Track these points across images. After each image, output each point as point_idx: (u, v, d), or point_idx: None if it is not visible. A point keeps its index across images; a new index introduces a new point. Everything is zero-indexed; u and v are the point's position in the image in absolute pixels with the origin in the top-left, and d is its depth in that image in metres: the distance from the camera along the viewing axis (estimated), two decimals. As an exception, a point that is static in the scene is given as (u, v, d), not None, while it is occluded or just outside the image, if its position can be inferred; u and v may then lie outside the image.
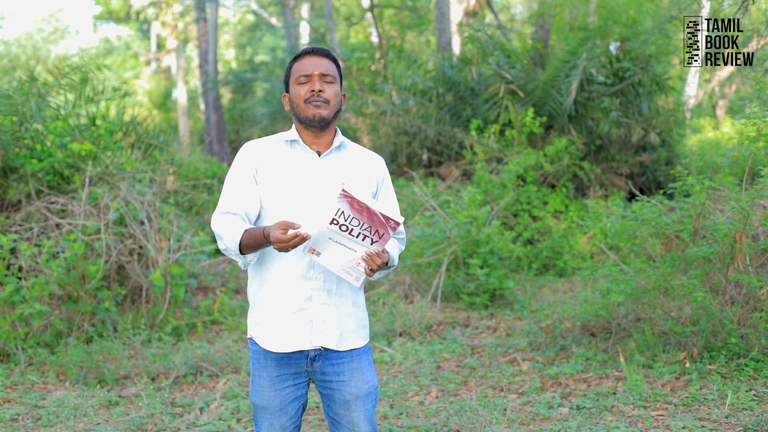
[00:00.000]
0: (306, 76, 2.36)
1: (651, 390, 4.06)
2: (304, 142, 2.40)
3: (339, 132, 2.45)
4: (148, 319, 5.59)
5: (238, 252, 2.28)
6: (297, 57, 2.41)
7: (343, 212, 2.17)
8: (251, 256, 2.33)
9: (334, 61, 2.42)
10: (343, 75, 2.49)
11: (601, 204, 6.88)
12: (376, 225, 2.19)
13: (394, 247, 2.43)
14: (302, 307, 2.34)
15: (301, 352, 2.37)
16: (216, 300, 6.35)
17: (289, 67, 2.42)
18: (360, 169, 2.43)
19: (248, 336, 2.46)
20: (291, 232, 2.10)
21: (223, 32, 28.29)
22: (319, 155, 2.39)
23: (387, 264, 2.32)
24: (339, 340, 2.37)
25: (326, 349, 2.38)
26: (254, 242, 2.24)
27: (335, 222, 2.17)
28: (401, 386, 4.45)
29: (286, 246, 2.11)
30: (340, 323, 2.37)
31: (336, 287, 2.36)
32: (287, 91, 2.45)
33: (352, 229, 2.18)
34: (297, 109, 2.37)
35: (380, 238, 2.20)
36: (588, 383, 4.35)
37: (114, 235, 5.72)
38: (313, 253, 2.20)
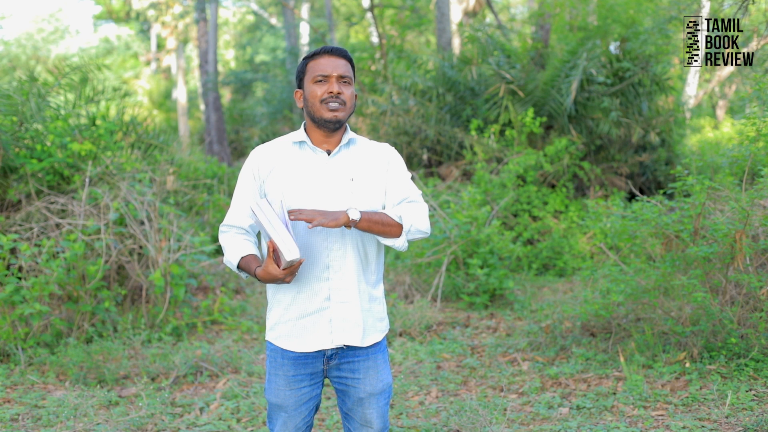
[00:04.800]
0: (324, 76, 2.34)
1: (651, 390, 4.06)
2: (313, 141, 2.41)
3: (348, 129, 2.45)
4: (148, 319, 5.59)
5: (237, 270, 2.39)
6: (314, 55, 2.38)
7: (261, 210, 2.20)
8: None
9: (351, 61, 2.41)
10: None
11: (601, 204, 6.88)
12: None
13: (400, 209, 2.36)
14: (321, 306, 2.35)
15: (319, 351, 2.39)
16: (216, 300, 6.35)
17: (304, 65, 2.40)
18: (369, 164, 2.42)
19: (266, 339, 2.48)
20: (284, 265, 2.18)
21: (223, 32, 28.29)
22: (329, 154, 2.40)
23: (400, 225, 2.32)
24: (363, 336, 2.39)
25: (344, 347, 2.39)
26: (249, 271, 2.35)
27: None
28: (401, 386, 4.45)
29: (283, 279, 2.22)
30: (361, 319, 2.38)
31: (354, 284, 2.36)
32: (300, 87, 2.43)
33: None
34: (312, 108, 2.36)
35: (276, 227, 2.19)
36: (588, 383, 4.35)
37: (114, 235, 5.71)
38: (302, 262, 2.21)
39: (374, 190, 2.39)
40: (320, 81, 2.35)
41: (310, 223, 2.17)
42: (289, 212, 2.20)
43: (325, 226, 2.19)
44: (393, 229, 2.32)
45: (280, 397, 2.43)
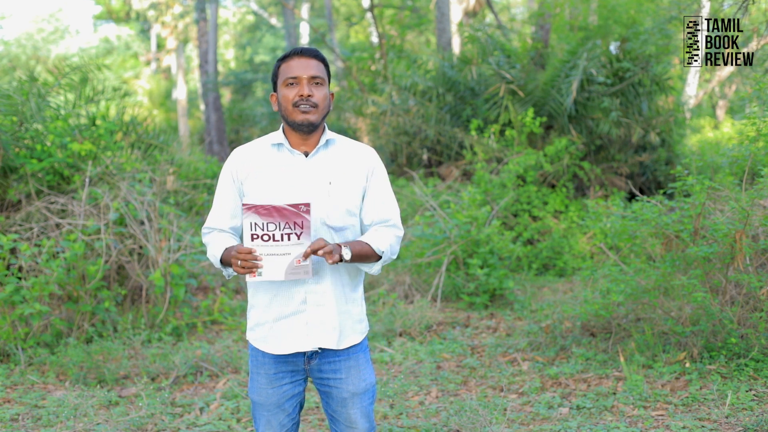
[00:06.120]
0: (294, 78, 2.33)
1: (651, 390, 4.06)
2: (291, 144, 2.40)
3: (326, 129, 2.44)
4: (148, 319, 5.59)
5: (220, 266, 2.39)
6: (285, 57, 2.38)
7: (255, 224, 2.19)
8: (232, 269, 2.39)
9: (323, 61, 2.39)
10: (331, 74, 2.47)
11: (601, 204, 6.88)
12: (291, 218, 2.19)
13: (380, 237, 2.38)
14: (297, 309, 2.36)
15: (298, 352, 2.40)
16: (216, 300, 6.35)
17: (277, 67, 2.40)
18: (348, 165, 2.41)
19: (247, 338, 2.50)
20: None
21: (223, 32, 28.29)
22: (306, 155, 2.39)
23: (379, 256, 2.35)
24: (339, 339, 2.39)
25: (324, 348, 2.40)
26: (228, 262, 2.35)
27: (256, 236, 2.19)
28: (401, 386, 4.45)
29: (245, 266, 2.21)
30: (338, 322, 2.38)
31: (330, 287, 2.36)
32: (275, 90, 2.43)
33: (273, 235, 2.20)
34: (285, 112, 2.36)
35: (302, 228, 2.20)
36: (588, 383, 4.36)
37: (114, 235, 5.71)
38: (254, 276, 2.21)
39: (351, 194, 2.39)
40: (291, 84, 2.34)
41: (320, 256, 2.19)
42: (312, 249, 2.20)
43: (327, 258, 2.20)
44: (372, 259, 2.36)
45: (262, 396, 2.45)
